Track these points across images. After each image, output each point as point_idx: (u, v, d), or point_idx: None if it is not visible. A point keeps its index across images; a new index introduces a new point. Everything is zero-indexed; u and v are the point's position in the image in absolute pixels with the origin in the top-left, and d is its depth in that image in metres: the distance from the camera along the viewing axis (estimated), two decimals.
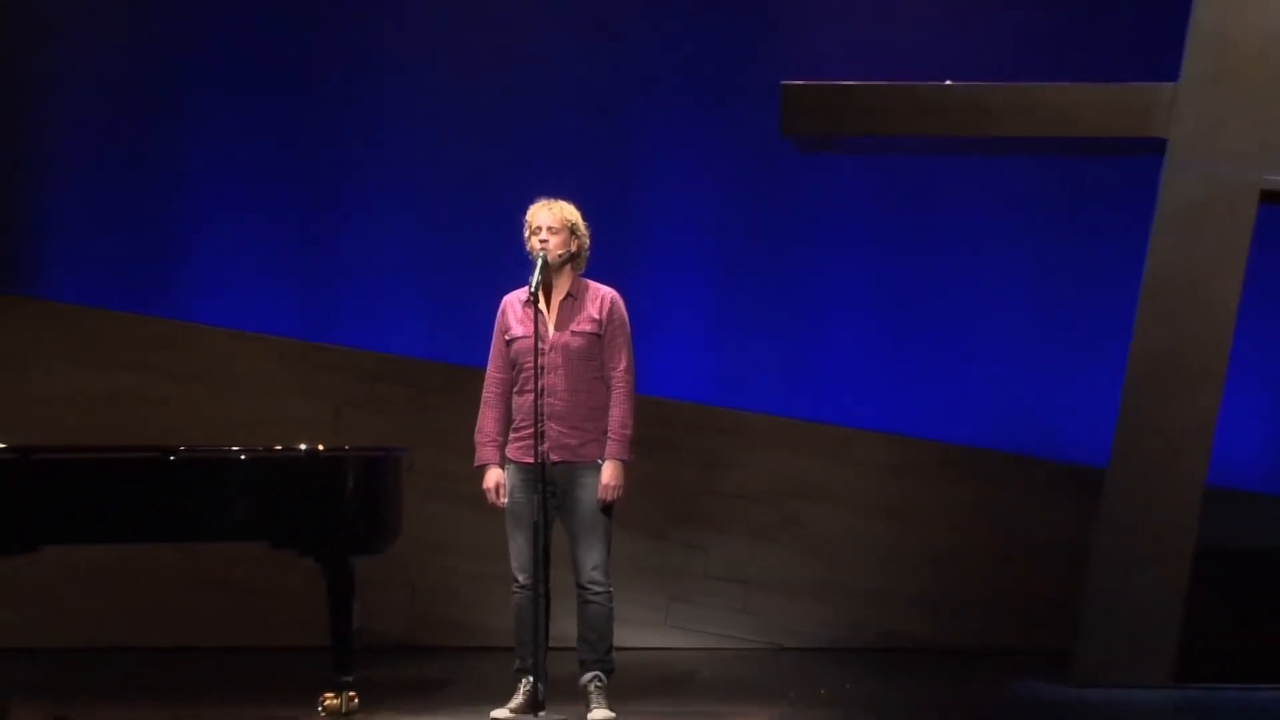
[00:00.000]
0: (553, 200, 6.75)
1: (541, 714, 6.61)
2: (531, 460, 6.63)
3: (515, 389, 6.73)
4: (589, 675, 6.74)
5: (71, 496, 6.72)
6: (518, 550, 6.71)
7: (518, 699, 6.68)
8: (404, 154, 9.32)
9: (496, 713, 6.68)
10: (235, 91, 9.41)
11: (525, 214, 6.77)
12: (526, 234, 6.73)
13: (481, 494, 6.79)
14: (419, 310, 9.14)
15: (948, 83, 7.93)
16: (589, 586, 6.72)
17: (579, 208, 6.84)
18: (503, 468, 6.73)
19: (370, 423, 8.70)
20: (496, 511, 6.78)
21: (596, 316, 6.75)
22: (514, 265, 6.81)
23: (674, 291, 9.14)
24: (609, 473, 6.70)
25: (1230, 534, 8.07)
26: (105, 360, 9.04)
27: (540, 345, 6.65)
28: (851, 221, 9.28)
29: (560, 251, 6.68)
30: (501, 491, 6.72)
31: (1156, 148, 7.73)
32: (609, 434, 6.71)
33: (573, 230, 6.73)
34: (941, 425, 9.11)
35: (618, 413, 6.73)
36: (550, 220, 6.70)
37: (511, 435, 6.74)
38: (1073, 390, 8.95)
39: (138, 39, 9.45)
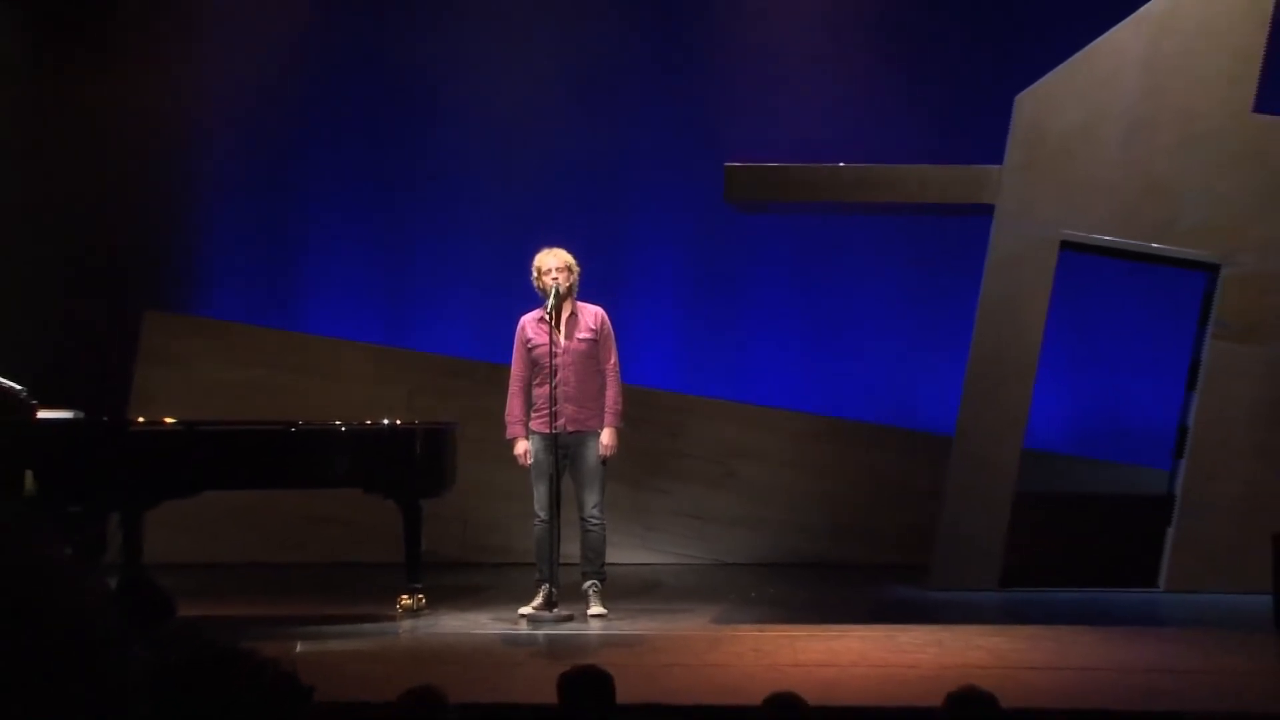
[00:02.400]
0: (553, 248, 6.78)
1: (555, 610, 6.69)
2: (550, 430, 6.69)
3: (535, 382, 6.77)
4: (588, 583, 6.81)
5: (223, 456, 6.74)
6: (539, 495, 6.78)
7: (538, 600, 6.74)
8: (459, 213, 9.28)
9: (523, 610, 6.74)
10: (343, 168, 9.37)
11: (534, 260, 6.77)
12: (536, 275, 6.76)
13: (512, 457, 6.84)
14: (469, 324, 9.11)
15: (841, 165, 7.91)
16: (589, 520, 6.80)
17: (582, 249, 6.88)
18: (527, 438, 6.80)
19: (434, 405, 8.62)
20: (522, 469, 6.86)
21: (593, 327, 6.81)
22: (533, 295, 6.89)
23: (649, 309, 9.11)
24: (609, 437, 6.76)
25: (1038, 482, 8.07)
26: (245, 360, 9.02)
27: (555, 350, 6.72)
28: (776, 260, 9.27)
29: (565, 284, 6.75)
30: (527, 455, 6.78)
31: (988, 211, 7.73)
32: (606, 410, 6.76)
33: (569, 268, 6.77)
34: (839, 405, 9.09)
35: (612, 394, 6.79)
36: (556, 263, 6.75)
37: (533, 414, 6.78)
38: (931, 381, 8.91)
39: (268, 129, 9.40)
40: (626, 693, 4.22)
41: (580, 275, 6.83)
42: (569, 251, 6.81)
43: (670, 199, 9.23)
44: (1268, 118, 7.60)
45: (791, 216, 8.95)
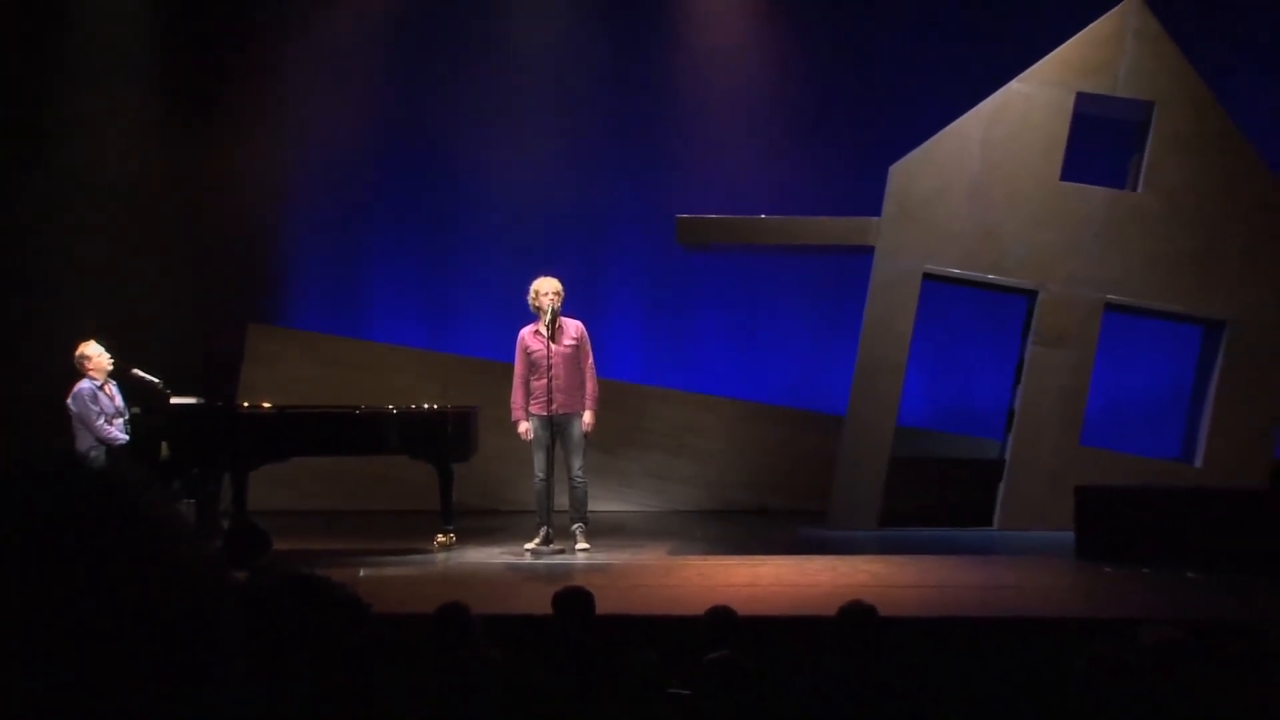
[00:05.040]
0: (548, 276, 6.75)
1: (551, 545, 6.67)
2: (545, 413, 6.69)
3: (534, 377, 6.73)
4: (575, 525, 6.77)
5: (305, 432, 6.72)
6: (538, 461, 6.75)
7: (538, 538, 6.72)
8: (481, 250, 9.28)
9: (527, 545, 6.71)
10: (395, 217, 9.32)
11: (533, 285, 6.75)
12: (535, 295, 6.71)
13: (517, 434, 6.80)
14: (489, 333, 9.03)
15: (764, 216, 7.94)
16: (575, 479, 6.76)
17: (570, 275, 6.88)
18: (528, 420, 6.75)
19: (462, 393, 8.41)
20: (526, 442, 6.82)
21: (575, 336, 6.77)
22: (532, 313, 6.87)
23: (620, 320, 9.11)
24: (589, 417, 6.72)
25: (905, 449, 8.07)
26: (322, 360, 8.94)
27: (549, 354, 6.73)
28: (717, 285, 9.27)
29: (558, 304, 6.73)
30: (529, 433, 6.75)
31: (870, 250, 7.74)
32: (587, 398, 6.72)
33: (559, 293, 6.72)
34: (764, 393, 9.09)
35: (590, 386, 6.75)
36: (551, 288, 6.71)
37: (532, 401, 6.74)
38: (831, 376, 8.86)
39: (341, 186, 9.36)
40: (604, 606, 4.30)
41: (564, 296, 6.82)
42: (558, 279, 6.81)
43: (635, 239, 9.25)
44: (1070, 184, 7.72)
45: (728, 255, 8.93)
